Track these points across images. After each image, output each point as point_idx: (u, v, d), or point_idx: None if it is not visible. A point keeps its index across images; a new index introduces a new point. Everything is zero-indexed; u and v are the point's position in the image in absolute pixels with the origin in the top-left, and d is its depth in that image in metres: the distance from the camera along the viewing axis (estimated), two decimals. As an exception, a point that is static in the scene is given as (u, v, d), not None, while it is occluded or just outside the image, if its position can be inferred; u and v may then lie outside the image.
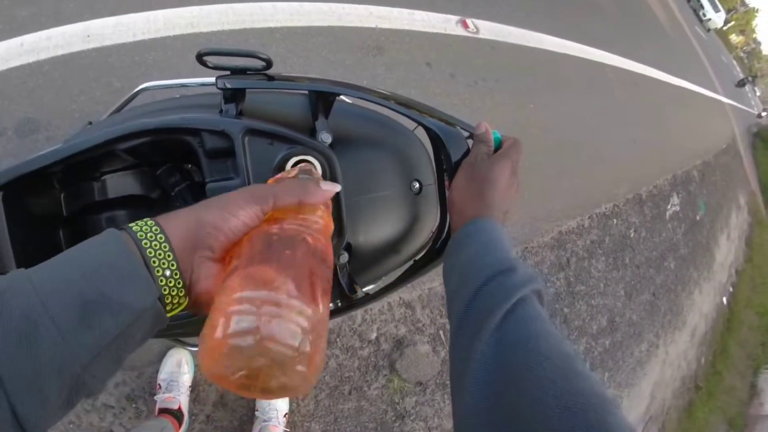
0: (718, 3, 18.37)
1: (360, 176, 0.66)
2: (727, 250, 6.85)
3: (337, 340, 1.70)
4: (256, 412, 1.45)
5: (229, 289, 0.33)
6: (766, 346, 7.37)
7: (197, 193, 0.69)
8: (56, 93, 1.44)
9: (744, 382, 6.50)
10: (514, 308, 0.41)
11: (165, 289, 0.34)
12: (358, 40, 2.26)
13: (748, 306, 7.33)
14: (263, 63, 0.59)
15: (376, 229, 0.69)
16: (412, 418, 1.82)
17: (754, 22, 41.18)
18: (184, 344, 1.29)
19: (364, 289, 0.74)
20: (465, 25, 2.92)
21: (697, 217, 5.63)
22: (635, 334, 3.57)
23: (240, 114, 0.60)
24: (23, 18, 1.47)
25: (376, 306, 1.84)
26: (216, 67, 0.58)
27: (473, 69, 2.79)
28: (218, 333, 0.31)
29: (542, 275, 2.68)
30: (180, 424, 1.30)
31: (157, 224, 0.35)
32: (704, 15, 17.89)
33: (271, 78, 0.63)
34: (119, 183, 0.68)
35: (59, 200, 0.63)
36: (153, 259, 0.33)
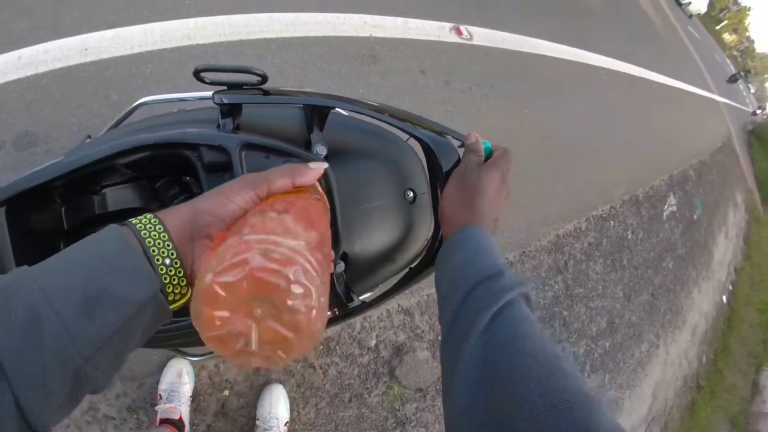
0: (699, -15, 16.69)
1: (355, 187, 0.68)
2: (725, 249, 6.86)
3: (337, 347, 1.71)
4: (257, 421, 1.46)
5: (219, 249, 0.33)
6: (768, 344, 7.35)
7: None
8: (54, 106, 1.45)
9: (746, 380, 6.48)
10: (501, 311, 0.42)
11: (166, 278, 0.35)
12: (353, 49, 2.28)
13: (748, 303, 7.33)
14: (259, 78, 0.60)
15: (372, 238, 0.71)
16: (412, 424, 1.82)
17: (746, 21, 41.43)
18: (185, 354, 1.30)
19: (360, 297, 0.74)
20: (459, 32, 2.94)
21: (695, 217, 5.64)
22: (635, 335, 3.57)
23: (237, 128, 0.62)
24: (21, 31, 1.48)
25: (374, 313, 1.84)
26: (213, 83, 0.60)
27: (468, 75, 2.81)
28: (207, 278, 0.30)
29: (540, 279, 2.69)
30: (181, 435, 1.31)
31: (156, 217, 0.36)
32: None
33: (266, 92, 0.65)
34: (119, 196, 0.69)
35: (60, 214, 0.65)
36: (152, 248, 0.34)
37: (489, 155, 0.66)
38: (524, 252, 2.63)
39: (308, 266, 0.31)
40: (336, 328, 1.72)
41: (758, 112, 21.10)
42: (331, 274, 0.66)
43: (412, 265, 0.78)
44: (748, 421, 5.94)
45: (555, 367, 0.36)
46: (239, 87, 0.62)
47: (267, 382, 1.54)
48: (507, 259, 2.51)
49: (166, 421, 1.30)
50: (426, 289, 2.02)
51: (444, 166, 0.68)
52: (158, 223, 0.36)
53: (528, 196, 2.85)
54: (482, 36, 3.11)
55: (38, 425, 0.27)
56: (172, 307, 0.37)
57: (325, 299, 0.33)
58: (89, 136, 1.05)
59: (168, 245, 0.35)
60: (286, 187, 0.42)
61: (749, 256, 8.41)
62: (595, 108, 4.20)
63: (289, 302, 0.30)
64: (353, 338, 1.76)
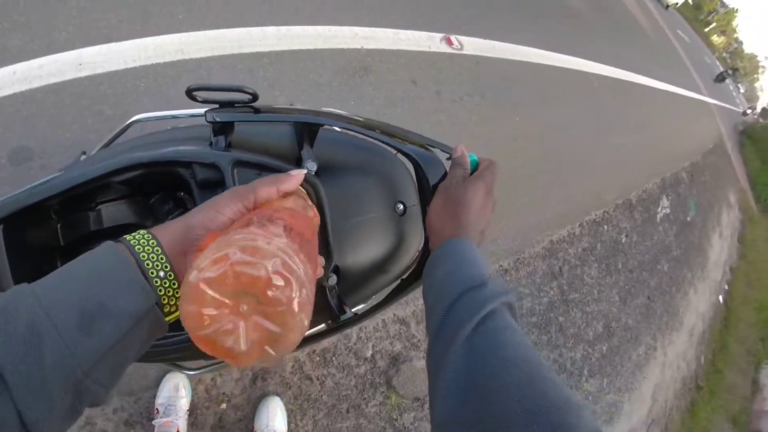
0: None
1: (346, 201, 0.69)
2: (720, 249, 6.90)
3: (333, 358, 1.71)
4: (255, 435, 1.46)
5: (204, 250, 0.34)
6: (766, 341, 7.35)
7: None
8: (49, 121, 1.46)
9: (745, 379, 6.48)
10: (484, 320, 0.44)
11: (161, 290, 0.37)
12: (345, 61, 2.31)
13: (744, 302, 7.34)
14: (249, 96, 0.62)
15: (364, 250, 0.72)
16: (411, 433, 1.83)
17: (734, 23, 42.01)
18: (181, 368, 1.31)
19: (353, 309, 0.75)
20: (449, 42, 2.98)
21: (688, 218, 5.68)
22: (632, 338, 3.58)
23: (229, 146, 0.63)
24: (15, 47, 1.48)
25: (370, 323, 1.85)
26: (205, 101, 0.61)
27: (458, 85, 2.84)
28: (192, 275, 0.31)
29: (535, 285, 2.70)
30: (179, 450, 1.31)
31: (149, 233, 0.38)
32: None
33: (257, 110, 0.66)
34: (114, 212, 0.71)
35: (56, 230, 0.66)
36: (147, 262, 0.36)
37: (475, 168, 0.68)
38: (518, 258, 2.65)
39: (287, 259, 0.32)
40: (332, 339, 1.73)
41: (748, 112, 21.34)
42: (324, 287, 0.68)
43: (404, 277, 0.80)
44: (749, 419, 5.94)
45: (536, 374, 0.38)
46: (231, 105, 0.64)
47: (264, 395, 1.54)
48: (501, 266, 2.53)
49: (163, 436, 1.30)
50: (421, 298, 2.02)
51: (431, 180, 0.70)
52: (151, 238, 0.37)
53: (521, 203, 2.87)
54: (472, 45, 3.15)
55: None
56: (168, 319, 0.38)
57: (308, 293, 0.33)
58: (84, 152, 1.07)
59: (162, 258, 0.37)
60: (272, 195, 0.44)
61: (744, 255, 8.45)
62: (586, 114, 4.25)
63: (270, 294, 0.31)
64: (349, 349, 1.76)
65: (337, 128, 0.73)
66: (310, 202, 0.56)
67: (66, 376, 0.30)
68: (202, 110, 0.62)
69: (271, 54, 2.07)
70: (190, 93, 0.58)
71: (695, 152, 7.41)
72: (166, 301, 0.37)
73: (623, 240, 3.84)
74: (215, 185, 0.61)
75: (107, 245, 0.36)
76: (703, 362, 5.13)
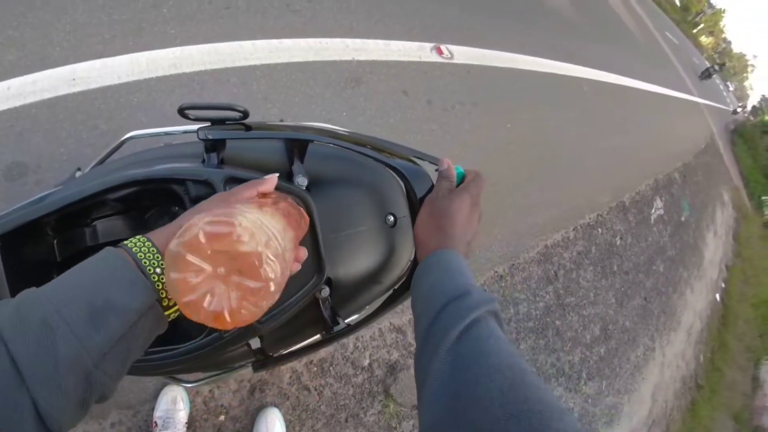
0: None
1: (337, 214, 0.70)
2: (715, 247, 6.95)
3: (331, 368, 1.71)
4: (254, 446, 1.46)
5: None
6: (765, 338, 7.38)
7: None
8: (44, 136, 1.46)
9: (745, 376, 6.50)
10: (468, 329, 0.45)
11: (159, 285, 0.40)
12: (336, 73, 2.33)
13: (742, 300, 7.38)
14: (240, 114, 0.64)
15: (355, 262, 0.73)
16: (410, 441, 1.83)
17: (722, 23, 42.57)
18: (179, 381, 1.31)
19: (346, 321, 0.77)
20: (440, 52, 3.01)
21: (682, 218, 5.72)
22: (630, 339, 3.60)
23: (221, 162, 0.65)
24: (9, 62, 1.49)
25: (367, 333, 1.86)
26: (197, 119, 0.63)
27: (450, 94, 2.87)
28: (171, 245, 0.35)
29: (531, 290, 2.71)
30: (178, 463, 1.31)
31: (144, 236, 0.42)
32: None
33: (248, 128, 0.68)
34: (110, 228, 0.72)
35: (53, 246, 0.67)
36: (144, 261, 0.39)
37: (462, 180, 0.69)
38: (514, 264, 2.66)
39: (250, 215, 0.36)
40: (329, 350, 1.74)
41: (738, 110, 21.56)
42: (317, 299, 0.69)
43: (396, 287, 0.81)
44: (751, 416, 5.95)
45: (519, 380, 0.39)
46: (222, 122, 0.66)
47: (262, 406, 1.54)
48: (497, 272, 2.54)
49: (162, 450, 1.30)
50: (417, 306, 2.03)
51: (418, 193, 0.72)
52: (147, 241, 0.41)
53: (515, 209, 2.90)
54: (463, 54, 3.19)
55: (55, 426, 0.31)
56: (168, 313, 0.42)
57: (278, 246, 0.37)
58: (79, 169, 1.08)
59: (157, 257, 0.40)
60: (252, 196, 0.48)
61: (740, 252, 8.52)
62: (577, 118, 4.29)
63: (240, 248, 0.34)
64: (346, 358, 1.77)
65: (325, 143, 0.74)
66: (299, 207, 0.59)
67: (78, 368, 0.32)
68: (194, 127, 0.64)
69: (264, 67, 2.09)
70: (182, 112, 0.60)
71: (687, 152, 7.48)
72: (164, 295, 0.41)
73: (618, 242, 3.87)
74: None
75: (107, 250, 0.40)
76: (702, 361, 5.14)
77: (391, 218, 0.76)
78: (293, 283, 0.62)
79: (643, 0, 13.64)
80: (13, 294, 0.58)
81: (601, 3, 8.16)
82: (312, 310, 0.71)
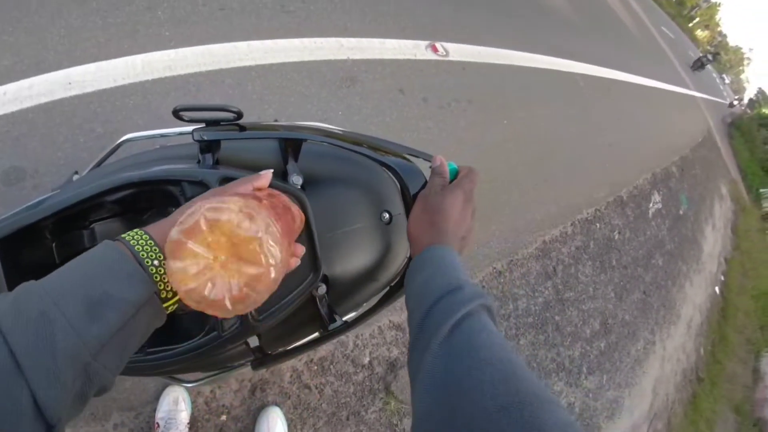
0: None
1: (332, 212, 0.71)
2: (714, 240, 6.96)
3: (331, 367, 1.72)
4: (256, 445, 1.47)
5: None
6: (765, 329, 7.40)
7: None
8: (41, 141, 1.47)
9: (746, 368, 6.51)
10: (460, 322, 0.45)
11: (156, 277, 0.40)
12: (331, 73, 2.33)
13: (741, 292, 7.39)
14: (234, 114, 0.64)
15: (352, 260, 0.74)
16: (412, 438, 1.83)
17: (717, 17, 42.60)
18: (180, 381, 1.32)
19: (344, 318, 0.77)
20: (435, 50, 3.02)
21: (680, 212, 5.73)
22: (630, 333, 3.60)
23: (216, 163, 0.65)
24: (4, 68, 1.50)
25: (366, 331, 1.86)
26: (191, 120, 0.63)
27: (445, 91, 2.87)
28: (172, 232, 0.36)
29: (530, 286, 2.72)
30: (180, 464, 1.31)
31: (141, 230, 0.42)
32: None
33: (242, 128, 0.68)
34: (108, 230, 0.72)
35: (51, 249, 0.67)
36: (142, 253, 0.40)
37: (455, 176, 0.69)
38: (512, 260, 2.67)
39: (252, 202, 0.37)
40: (329, 348, 1.74)
41: (735, 103, 21.57)
42: (314, 296, 0.70)
43: (393, 284, 0.82)
44: (752, 408, 5.97)
45: (509, 373, 0.39)
46: (217, 123, 0.66)
47: (263, 405, 1.55)
48: (495, 268, 2.55)
49: (164, 451, 1.31)
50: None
51: (411, 190, 0.72)
52: (144, 234, 0.41)
53: (512, 205, 2.90)
54: (458, 51, 3.19)
55: (53, 418, 0.31)
56: (166, 305, 0.42)
57: (276, 232, 0.38)
58: (76, 172, 1.09)
59: (155, 250, 0.41)
60: (247, 192, 0.48)
61: (738, 245, 8.52)
62: (573, 113, 4.29)
63: (240, 233, 0.35)
64: (346, 357, 1.78)
65: (319, 142, 0.75)
66: (292, 204, 0.59)
67: (76, 360, 0.32)
68: (190, 128, 0.64)
69: (259, 68, 2.09)
70: (176, 113, 0.60)
71: (684, 146, 7.49)
72: (162, 287, 0.41)
73: (616, 237, 3.87)
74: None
75: (105, 243, 0.40)
76: (702, 354, 5.15)
77: (387, 215, 0.76)
78: (290, 281, 0.62)
79: (639, -5, 13.65)
80: None
81: (596, -2, 8.17)
82: (309, 307, 0.71)
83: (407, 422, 1.84)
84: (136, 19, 1.83)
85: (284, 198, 0.56)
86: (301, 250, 0.55)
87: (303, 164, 0.70)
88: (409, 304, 0.55)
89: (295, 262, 0.52)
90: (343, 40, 2.50)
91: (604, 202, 3.90)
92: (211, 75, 1.93)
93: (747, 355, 6.70)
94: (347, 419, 1.71)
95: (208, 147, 0.64)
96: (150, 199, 0.69)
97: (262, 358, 0.77)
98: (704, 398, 4.75)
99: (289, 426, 1.56)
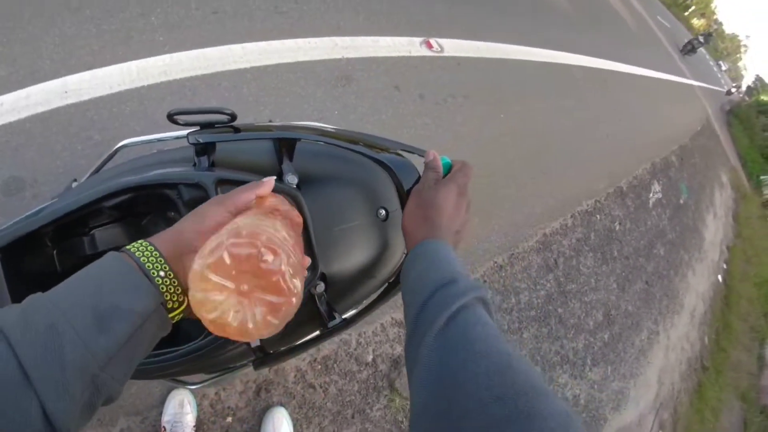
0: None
1: (329, 210, 0.71)
2: (715, 229, 6.95)
3: (335, 365, 1.73)
4: (263, 445, 1.47)
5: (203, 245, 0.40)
6: (769, 316, 7.41)
7: None
8: (39, 150, 1.47)
9: (751, 356, 6.52)
10: (455, 315, 0.45)
11: (163, 288, 0.41)
12: (326, 72, 2.33)
13: (744, 280, 7.38)
14: (228, 116, 0.65)
15: (349, 257, 0.73)
16: (418, 435, 1.83)
17: (713, 5, 42.44)
18: (184, 383, 1.33)
19: (344, 316, 0.77)
20: (429, 46, 3.02)
21: (681, 201, 5.73)
22: (633, 324, 3.61)
23: (212, 165, 0.65)
24: (0, 78, 1.50)
25: (369, 328, 1.87)
26: (186, 124, 0.63)
27: (441, 87, 2.87)
28: (196, 265, 0.36)
29: (531, 279, 2.72)
30: (188, 466, 1.32)
31: (146, 241, 0.42)
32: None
33: (237, 129, 0.69)
34: (108, 236, 0.73)
35: (52, 257, 0.68)
36: (147, 265, 0.40)
37: (449, 170, 0.69)
38: (513, 254, 2.67)
39: (273, 234, 0.37)
40: (332, 347, 1.75)
41: (733, 90, 21.48)
42: (313, 295, 0.70)
43: (391, 280, 0.82)
44: (758, 395, 5.97)
45: (505, 365, 0.39)
46: (211, 126, 0.66)
47: (269, 406, 1.55)
48: (496, 262, 2.55)
49: (171, 454, 1.32)
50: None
51: (405, 185, 0.73)
52: (149, 245, 0.42)
53: (512, 199, 2.90)
54: (453, 47, 3.19)
55: (62, 429, 0.32)
56: (171, 315, 0.42)
57: (297, 261, 0.38)
58: (75, 180, 1.09)
59: (161, 260, 0.41)
60: (250, 200, 0.49)
61: (740, 232, 8.52)
62: (570, 106, 4.28)
63: (263, 266, 0.35)
64: (350, 355, 1.78)
65: (312, 141, 0.75)
66: (293, 207, 0.60)
67: (84, 372, 0.33)
68: (185, 132, 0.65)
69: (254, 69, 2.10)
70: (171, 117, 0.61)
71: (683, 135, 7.48)
72: (168, 297, 0.41)
73: (617, 228, 3.87)
74: (202, 203, 0.64)
75: (111, 255, 0.40)
76: (707, 342, 5.15)
77: (383, 212, 0.76)
78: None
79: (633, -15, 13.61)
80: None
81: (590, -10, 8.14)
82: (308, 306, 0.71)
83: (412, 419, 1.84)
84: (129, 26, 1.83)
85: (284, 202, 0.57)
86: (308, 261, 0.55)
87: (298, 164, 0.70)
88: (405, 298, 0.55)
89: (304, 274, 0.53)
90: (337, 39, 2.50)
91: (603, 193, 3.90)
92: (207, 78, 1.93)
93: (751, 342, 6.70)
94: (352, 417, 1.71)
95: (204, 149, 0.65)
96: (148, 203, 0.69)
97: (263, 358, 0.77)
98: (709, 387, 4.76)
99: (294, 426, 1.56)
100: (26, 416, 0.30)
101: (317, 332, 0.80)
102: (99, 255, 0.71)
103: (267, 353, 0.78)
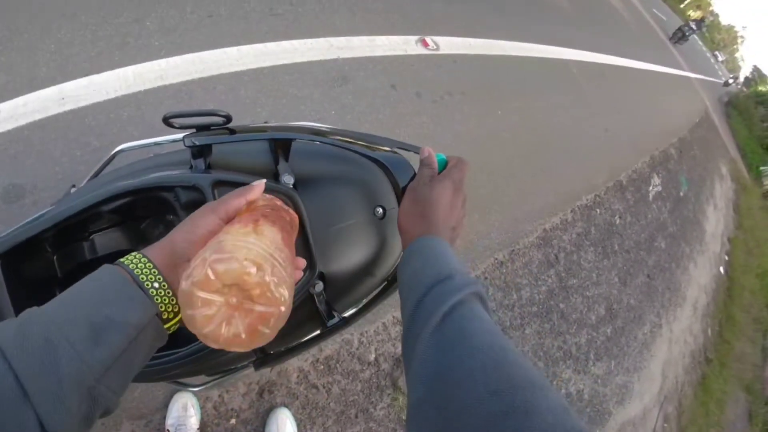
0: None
1: (326, 209, 0.71)
2: (716, 220, 6.93)
3: (337, 365, 1.73)
4: (267, 446, 1.48)
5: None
6: (772, 307, 7.40)
7: None
8: (38, 157, 1.48)
9: (755, 347, 6.51)
10: (451, 311, 0.45)
11: (157, 299, 0.41)
12: (323, 73, 2.34)
13: (746, 271, 7.36)
14: (223, 119, 0.65)
15: (347, 256, 0.74)
16: (422, 433, 1.83)
17: (708, -5, 42.32)
18: (186, 386, 1.33)
19: (344, 314, 0.78)
20: (425, 44, 3.02)
21: (681, 194, 5.72)
22: (636, 317, 3.60)
23: (209, 167, 0.66)
24: None
25: (371, 327, 1.87)
26: (182, 127, 0.64)
27: (438, 85, 2.87)
28: (183, 285, 0.36)
29: (532, 275, 2.72)
30: (193, 469, 1.33)
31: (140, 253, 0.43)
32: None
33: (232, 131, 0.69)
34: (107, 240, 0.73)
35: (53, 262, 0.68)
36: (141, 276, 0.41)
37: (444, 167, 0.69)
38: (513, 250, 2.67)
39: (254, 247, 0.38)
40: (334, 347, 1.75)
41: (731, 81, 21.43)
42: (312, 294, 0.70)
43: (389, 278, 0.82)
44: (763, 387, 5.96)
45: (501, 359, 0.39)
46: (207, 128, 0.67)
47: (272, 407, 1.56)
48: (497, 258, 2.55)
49: (176, 457, 1.32)
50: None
51: (400, 183, 0.73)
52: (143, 257, 0.42)
53: (511, 195, 2.90)
54: (448, 44, 3.19)
55: None
56: (167, 326, 0.43)
57: (282, 270, 0.39)
58: (74, 185, 1.10)
59: (154, 272, 0.41)
60: (241, 205, 0.49)
61: (741, 224, 8.49)
62: (568, 101, 4.28)
63: (247, 279, 0.36)
64: (352, 354, 1.78)
65: (307, 141, 0.75)
66: (289, 210, 0.60)
67: (81, 385, 0.33)
68: (182, 135, 0.65)
69: (250, 72, 2.10)
70: (166, 121, 0.61)
71: (682, 127, 7.46)
72: (164, 308, 0.42)
73: (617, 221, 3.87)
74: (199, 206, 0.64)
75: (105, 267, 0.40)
76: (710, 334, 5.15)
77: (380, 210, 0.76)
78: None
79: (628, -22, 13.58)
80: (18, 310, 0.59)
81: (585, -16, 8.13)
82: (307, 305, 0.72)
83: (416, 417, 1.84)
84: (125, 31, 1.83)
85: (278, 203, 0.57)
86: (302, 262, 0.56)
87: (294, 164, 0.70)
88: (402, 294, 0.55)
89: (299, 275, 0.53)
90: (333, 40, 2.50)
91: (603, 187, 3.89)
92: (203, 82, 1.93)
93: (755, 333, 6.69)
94: (356, 417, 1.71)
95: (200, 152, 0.65)
96: (146, 207, 0.69)
97: (263, 358, 0.78)
98: (714, 379, 4.75)
99: (298, 426, 1.57)
100: (23, 430, 0.30)
101: (317, 332, 0.80)
102: (99, 259, 0.72)
103: (267, 354, 0.78)
